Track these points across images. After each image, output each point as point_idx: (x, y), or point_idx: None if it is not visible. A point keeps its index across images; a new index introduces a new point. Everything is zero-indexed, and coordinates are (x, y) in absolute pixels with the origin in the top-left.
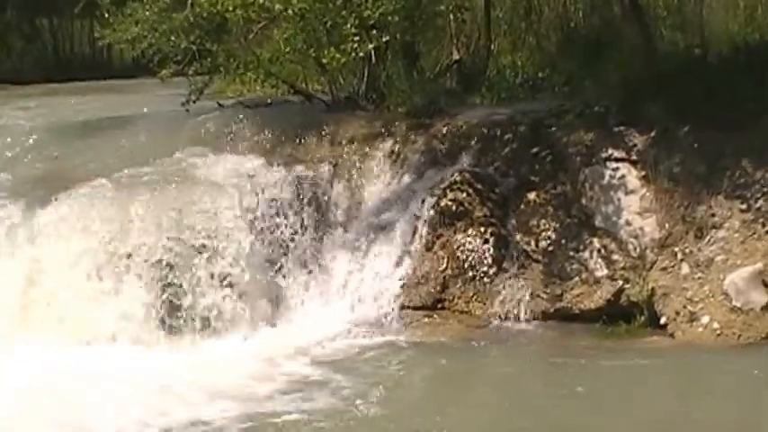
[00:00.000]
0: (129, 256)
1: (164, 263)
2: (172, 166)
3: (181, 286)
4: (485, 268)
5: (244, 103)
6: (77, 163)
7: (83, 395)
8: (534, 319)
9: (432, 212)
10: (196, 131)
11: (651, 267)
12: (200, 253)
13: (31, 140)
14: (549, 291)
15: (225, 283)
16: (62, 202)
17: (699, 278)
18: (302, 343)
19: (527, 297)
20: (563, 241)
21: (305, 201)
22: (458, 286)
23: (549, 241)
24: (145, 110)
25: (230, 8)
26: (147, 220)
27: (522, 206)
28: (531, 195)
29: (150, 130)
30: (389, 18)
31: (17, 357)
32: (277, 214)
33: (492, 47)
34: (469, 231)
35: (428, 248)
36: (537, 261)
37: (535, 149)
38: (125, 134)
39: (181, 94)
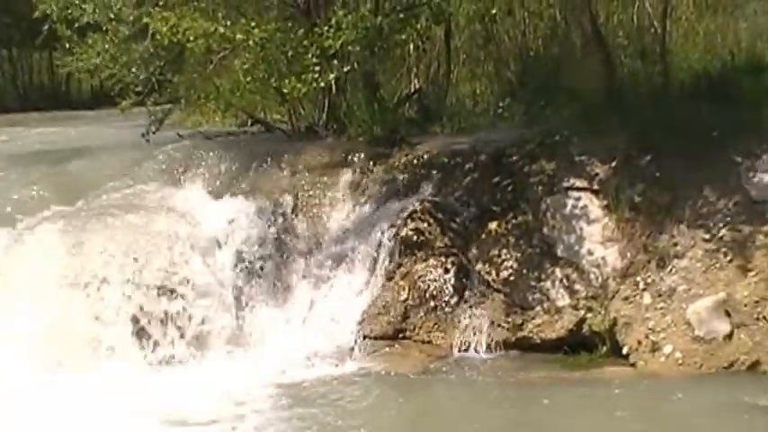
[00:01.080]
0: (86, 285)
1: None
2: (129, 196)
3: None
4: (446, 298)
5: (204, 133)
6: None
7: None
8: (495, 349)
9: (392, 242)
10: (156, 162)
11: (613, 297)
12: (158, 289)
13: None
14: (510, 320)
15: (184, 313)
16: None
17: (661, 308)
18: (263, 372)
19: (488, 327)
20: (524, 271)
21: (266, 231)
22: (419, 316)
23: (510, 271)
24: (104, 140)
25: (191, 38)
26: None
27: (484, 236)
28: (493, 225)
29: (109, 160)
30: (350, 48)
31: None
32: (241, 244)
33: (452, 76)
34: (430, 261)
35: (389, 278)
36: (498, 291)
37: (496, 179)
38: (83, 164)
39: (141, 125)
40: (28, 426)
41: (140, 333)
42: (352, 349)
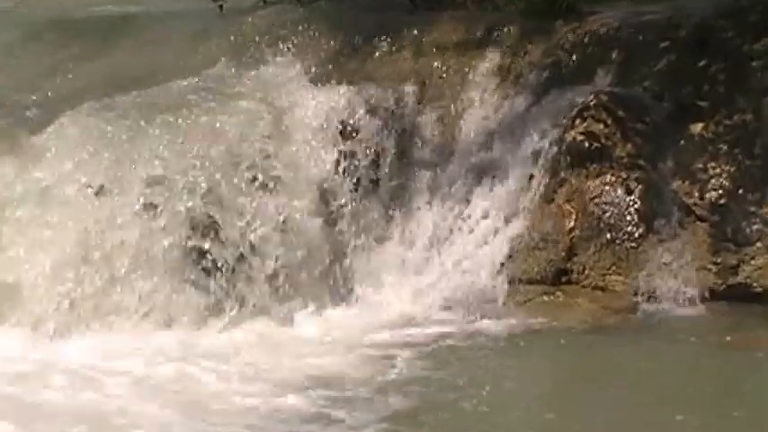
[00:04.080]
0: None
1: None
2: (200, 84)
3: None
4: (628, 228)
5: None
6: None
7: None
8: (697, 300)
9: (554, 150)
10: (231, 37)
11: None
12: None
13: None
14: (719, 261)
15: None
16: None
17: None
18: (377, 329)
19: (687, 269)
20: (740, 192)
21: (380, 134)
22: (590, 253)
23: (720, 192)
24: (165, 6)
25: None
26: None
27: (683, 142)
28: (697, 127)
29: (171, 35)
30: None
31: None
32: (342, 154)
33: None
34: (607, 177)
35: (549, 200)
36: (703, 219)
37: (702, 62)
38: (136, 40)
39: None
40: None
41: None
42: (497, 297)
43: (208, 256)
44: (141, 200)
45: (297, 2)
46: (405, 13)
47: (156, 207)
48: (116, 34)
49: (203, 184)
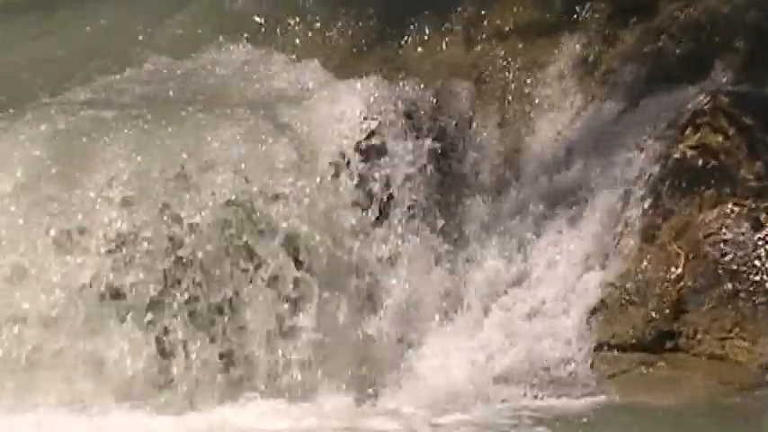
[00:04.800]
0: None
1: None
2: (186, 76)
3: None
4: (757, 277)
5: None
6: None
7: None
8: None
9: (656, 171)
10: (229, 16)
11: None
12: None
13: None
14: None
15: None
16: None
17: None
18: (414, 412)
19: None
20: None
21: (417, 149)
22: (705, 310)
23: None
24: None
25: None
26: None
27: None
28: None
29: (159, 6)
30: None
31: None
32: (371, 169)
33: None
34: (728, 207)
35: (648, 239)
36: None
37: None
38: (111, 10)
39: None
40: None
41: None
42: (578, 367)
43: None
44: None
45: None
46: None
47: None
48: (63, 7)
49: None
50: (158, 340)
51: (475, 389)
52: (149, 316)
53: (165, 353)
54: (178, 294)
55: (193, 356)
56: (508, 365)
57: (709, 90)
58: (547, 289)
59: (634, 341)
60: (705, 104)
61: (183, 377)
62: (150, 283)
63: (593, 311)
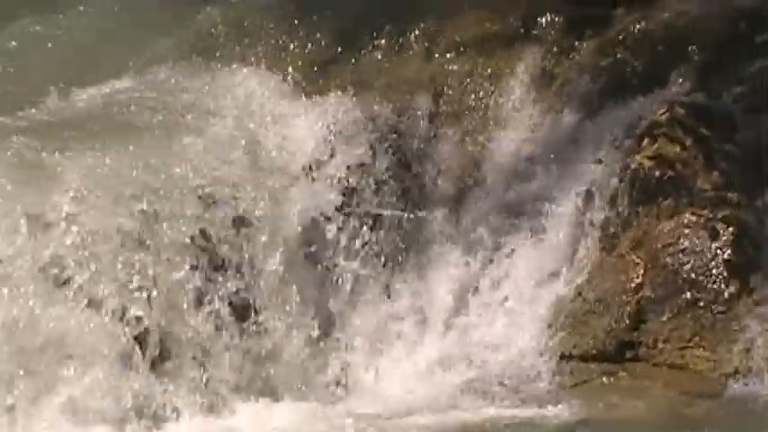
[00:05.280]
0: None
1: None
2: (146, 92)
3: None
4: (715, 286)
5: None
6: None
7: None
8: None
9: (615, 182)
10: (191, 30)
11: None
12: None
13: None
14: None
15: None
16: None
17: None
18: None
19: None
20: None
21: (382, 160)
22: (664, 319)
23: None
24: None
25: None
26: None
27: None
28: None
29: (108, 24)
30: None
31: None
32: (332, 184)
33: None
34: (686, 217)
35: (608, 249)
36: None
37: None
38: (60, 26)
39: None
40: None
41: None
42: (540, 378)
43: None
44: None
45: None
46: None
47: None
48: (14, 17)
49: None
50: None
51: (434, 400)
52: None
53: None
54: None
55: None
56: (468, 376)
57: (665, 101)
58: (507, 299)
59: (595, 351)
60: (662, 115)
61: None
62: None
63: (554, 322)
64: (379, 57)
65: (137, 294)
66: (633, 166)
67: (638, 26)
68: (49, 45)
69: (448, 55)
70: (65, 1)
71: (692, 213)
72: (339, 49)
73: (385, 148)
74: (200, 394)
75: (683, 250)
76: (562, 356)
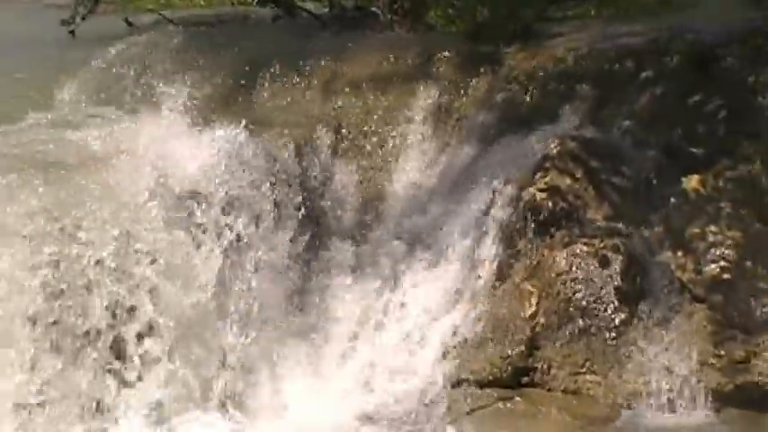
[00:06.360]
0: None
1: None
2: (42, 134)
3: None
4: (606, 313)
5: (171, 20)
6: None
7: None
8: (697, 405)
9: (509, 213)
10: (87, 73)
11: None
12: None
13: None
14: (722, 353)
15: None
16: None
17: None
18: None
19: (683, 365)
20: (748, 264)
21: (284, 192)
22: (557, 346)
23: (722, 264)
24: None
25: None
26: None
27: (675, 200)
28: (691, 181)
29: (17, 67)
30: None
31: None
32: (234, 218)
33: None
34: (578, 247)
35: (502, 278)
36: (700, 300)
37: (696, 98)
38: None
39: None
40: None
41: None
42: (437, 405)
43: None
44: None
45: (174, 25)
46: (312, 37)
47: None
48: None
49: None
50: None
51: (335, 426)
52: None
53: None
54: None
55: None
56: (367, 403)
57: (557, 135)
58: (405, 327)
59: (491, 377)
60: (553, 148)
61: None
62: None
63: (451, 349)
64: (282, 93)
65: None
66: (527, 198)
67: (529, 63)
68: None
69: (348, 92)
70: None
71: (584, 243)
72: (243, 85)
73: (287, 182)
74: None
75: (575, 279)
76: (459, 383)
